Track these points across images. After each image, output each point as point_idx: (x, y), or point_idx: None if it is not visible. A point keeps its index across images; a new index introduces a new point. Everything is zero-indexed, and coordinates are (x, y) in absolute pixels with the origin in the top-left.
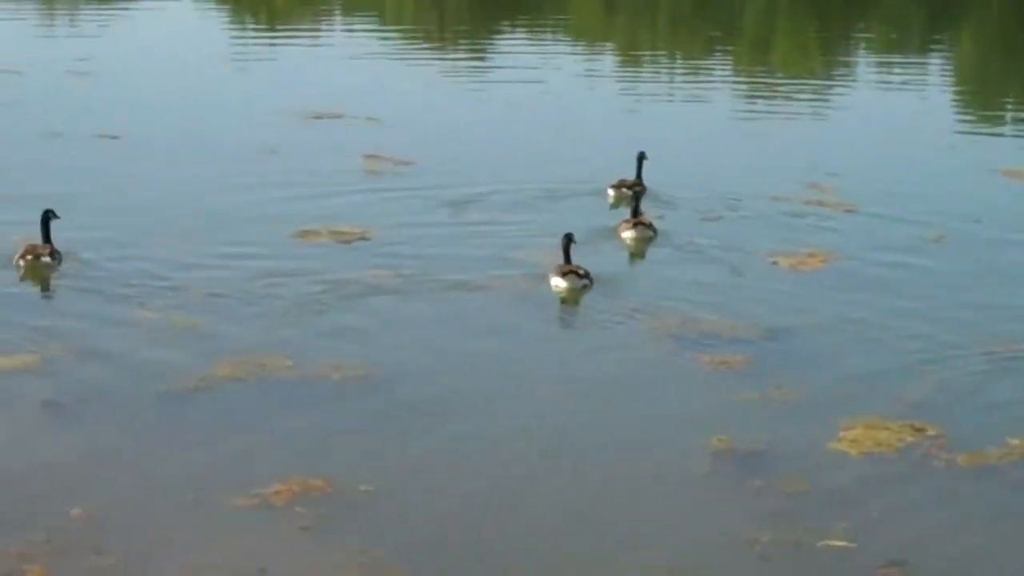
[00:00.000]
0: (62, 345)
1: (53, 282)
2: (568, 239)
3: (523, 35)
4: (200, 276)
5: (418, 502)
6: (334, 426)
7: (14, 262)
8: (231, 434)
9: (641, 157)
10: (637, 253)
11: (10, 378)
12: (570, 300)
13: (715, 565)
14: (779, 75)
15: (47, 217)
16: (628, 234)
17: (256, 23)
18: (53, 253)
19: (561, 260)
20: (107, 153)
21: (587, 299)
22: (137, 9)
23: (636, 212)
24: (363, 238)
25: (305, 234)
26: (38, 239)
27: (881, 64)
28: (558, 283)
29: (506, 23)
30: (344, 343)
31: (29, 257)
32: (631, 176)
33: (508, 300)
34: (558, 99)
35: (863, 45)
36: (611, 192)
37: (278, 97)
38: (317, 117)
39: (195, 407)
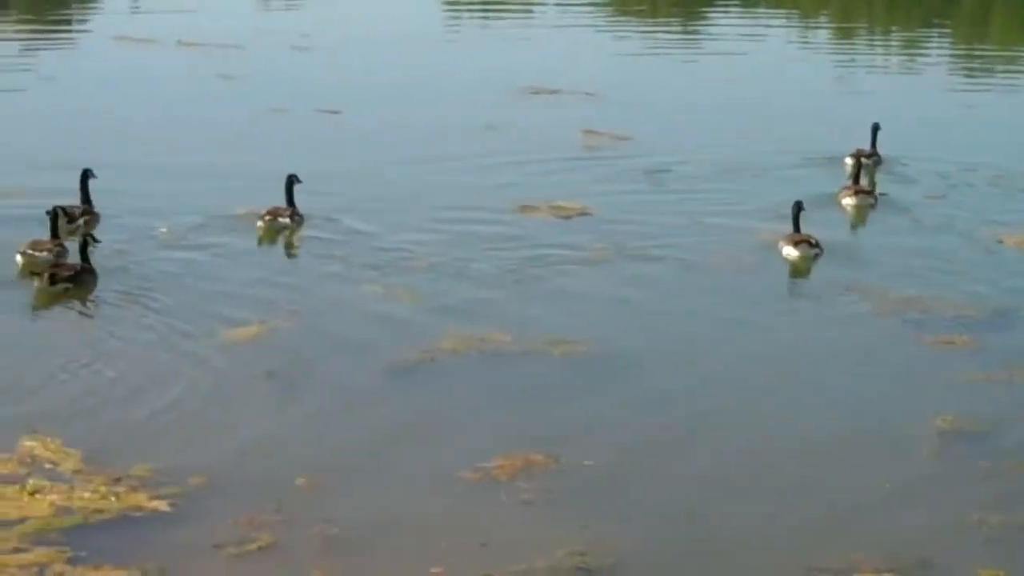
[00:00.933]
0: (288, 315)
1: (287, 249)
2: (798, 207)
3: (735, 7)
4: (422, 250)
5: (641, 478)
6: (556, 401)
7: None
8: (454, 408)
9: (876, 128)
10: (859, 220)
11: (236, 350)
12: (801, 269)
13: (940, 545)
14: (997, 47)
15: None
16: (848, 200)
17: None
18: (293, 216)
19: (791, 229)
20: (328, 128)
21: (816, 269)
22: None
23: (857, 179)
24: (583, 213)
25: (526, 209)
26: (262, 206)
27: None
28: (790, 252)
29: None
30: (565, 318)
31: (268, 218)
32: (866, 146)
33: (733, 272)
34: (772, 71)
35: None
36: (849, 161)
37: (495, 71)
38: (535, 92)
39: (418, 380)
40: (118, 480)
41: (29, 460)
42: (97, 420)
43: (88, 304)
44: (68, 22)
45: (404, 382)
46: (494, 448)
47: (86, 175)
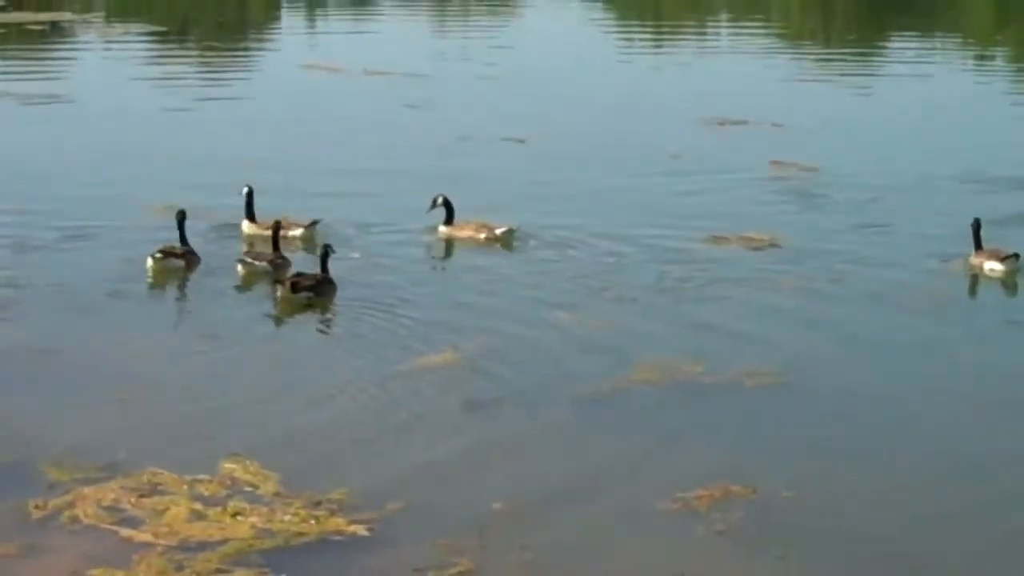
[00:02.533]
0: (482, 343)
1: (479, 275)
2: (977, 224)
3: (912, 37)
4: (612, 278)
5: (841, 509)
6: (753, 432)
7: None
8: (650, 438)
9: None
10: None
11: (430, 376)
12: (1008, 284)
13: None
14: None
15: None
16: None
17: (641, 24)
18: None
19: (973, 247)
20: (513, 156)
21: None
22: (525, 7)
23: None
24: (773, 244)
25: (717, 240)
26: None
27: None
28: (994, 267)
29: (892, 25)
30: (757, 349)
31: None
32: None
33: (926, 297)
34: (949, 98)
35: None
36: None
37: (677, 100)
38: (721, 123)
39: (612, 410)
40: (317, 504)
41: (229, 482)
42: (294, 443)
43: (323, 318)
44: (250, 50)
45: (598, 411)
46: (692, 479)
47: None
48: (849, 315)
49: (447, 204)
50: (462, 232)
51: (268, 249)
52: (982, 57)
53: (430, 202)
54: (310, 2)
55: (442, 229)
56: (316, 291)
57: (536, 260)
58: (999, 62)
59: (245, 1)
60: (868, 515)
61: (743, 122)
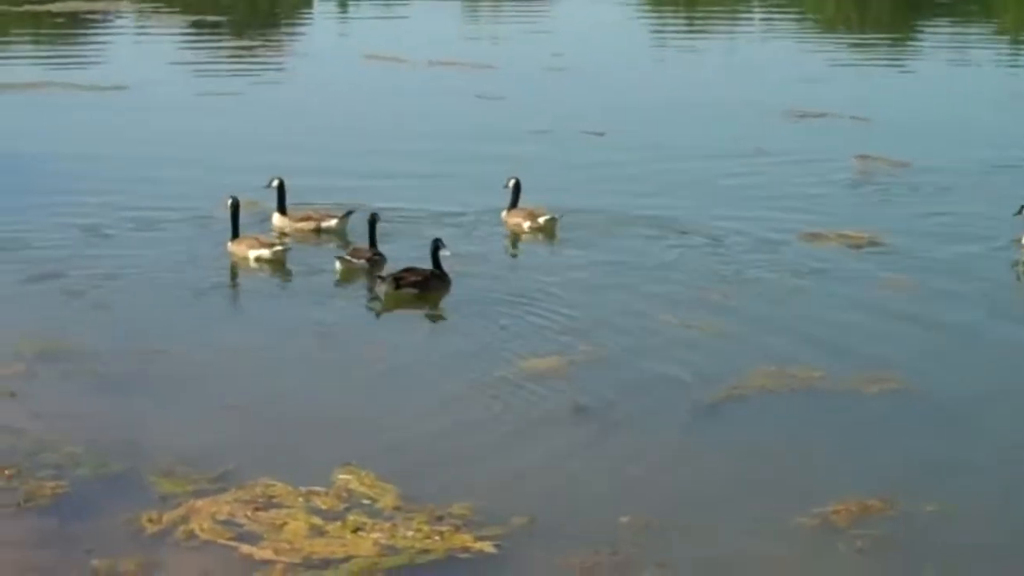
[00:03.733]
0: (590, 348)
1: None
2: None
3: (945, 25)
4: (713, 281)
5: (989, 524)
6: (883, 441)
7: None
8: (775, 449)
9: None
10: None
11: (540, 380)
12: None
13: None
14: None
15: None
16: None
17: (675, 12)
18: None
19: None
20: (599, 150)
21: None
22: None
23: None
24: (873, 242)
25: (814, 237)
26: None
27: None
28: None
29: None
30: (873, 352)
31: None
32: None
33: None
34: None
35: None
36: None
37: (747, 92)
38: (801, 116)
39: (731, 418)
40: (440, 518)
41: (346, 495)
42: (409, 453)
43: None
44: (296, 39)
45: (719, 419)
46: (827, 492)
47: (374, 219)
48: (963, 316)
49: (517, 187)
50: (512, 219)
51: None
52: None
53: (506, 182)
54: None
55: (503, 215)
56: (422, 287)
57: (630, 254)
58: None
59: None
60: (1013, 529)
61: (824, 114)
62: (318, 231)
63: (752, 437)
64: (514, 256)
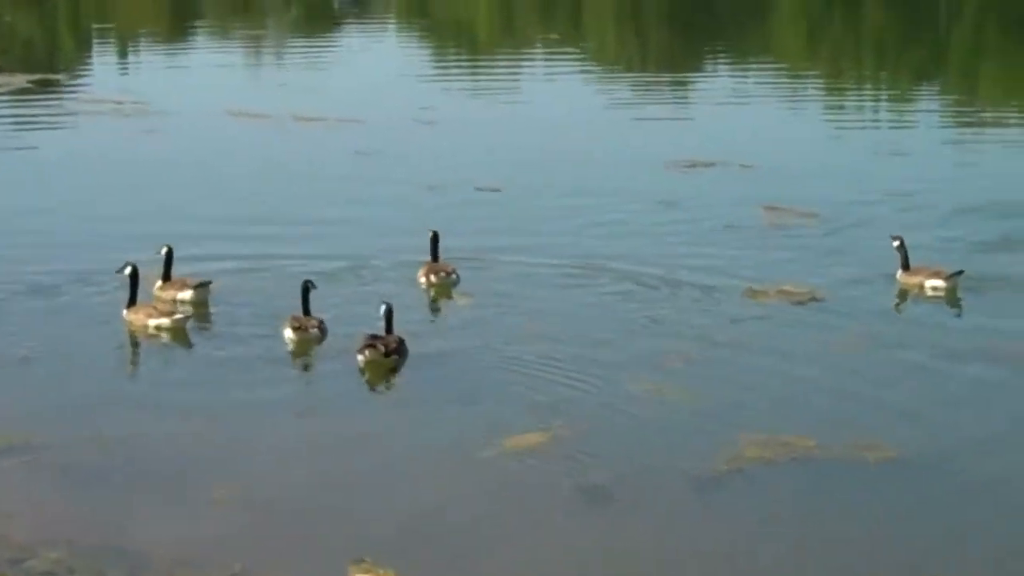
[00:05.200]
0: (565, 421)
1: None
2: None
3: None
4: (669, 344)
5: None
6: (902, 515)
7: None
8: (798, 526)
9: None
10: None
11: (530, 460)
12: None
13: None
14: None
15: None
16: None
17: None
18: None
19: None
20: (501, 207)
21: None
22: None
23: None
24: (814, 298)
25: (755, 294)
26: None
27: None
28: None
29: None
30: (855, 415)
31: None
32: None
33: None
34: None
35: None
36: None
37: (632, 145)
38: (691, 165)
39: (739, 494)
40: None
41: None
42: (421, 546)
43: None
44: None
45: (724, 496)
46: (862, 570)
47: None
48: (933, 376)
49: (434, 240)
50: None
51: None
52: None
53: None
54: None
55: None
56: (400, 353)
57: (571, 316)
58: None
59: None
60: None
61: (712, 163)
62: (172, 301)
63: (766, 515)
64: (443, 314)
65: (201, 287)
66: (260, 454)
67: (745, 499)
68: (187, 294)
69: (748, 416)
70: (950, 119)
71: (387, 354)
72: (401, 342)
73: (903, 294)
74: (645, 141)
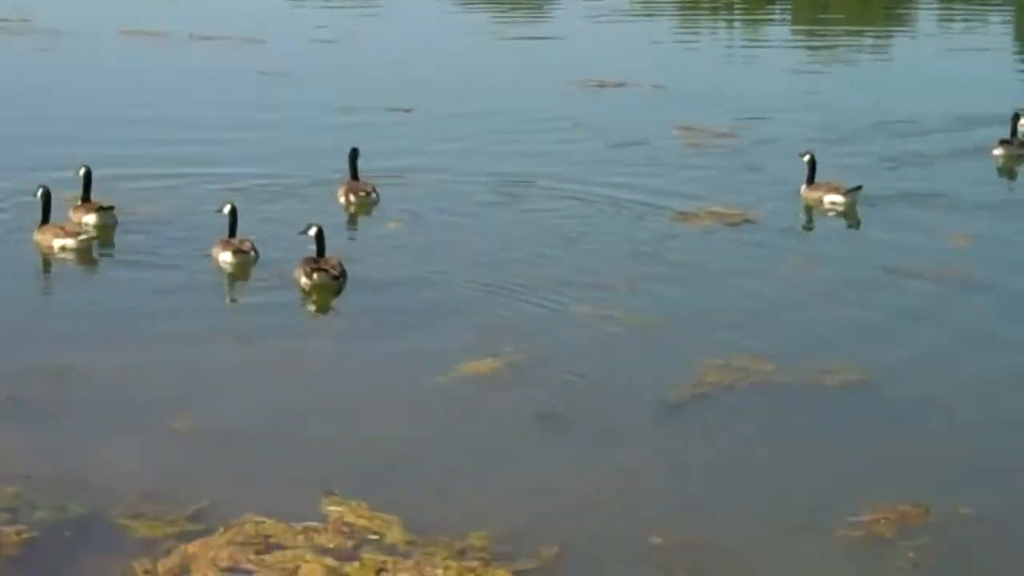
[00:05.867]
0: (517, 347)
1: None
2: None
3: None
4: (604, 267)
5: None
6: (875, 438)
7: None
8: (776, 451)
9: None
10: None
11: (486, 386)
12: None
13: None
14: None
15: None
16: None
17: None
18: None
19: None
20: (409, 124)
21: None
22: None
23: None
24: (747, 220)
25: (685, 217)
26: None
27: None
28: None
29: None
30: (807, 338)
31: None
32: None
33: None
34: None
35: None
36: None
37: (541, 65)
38: (600, 85)
39: (707, 420)
40: (462, 552)
41: (347, 530)
42: (389, 477)
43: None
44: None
45: (693, 423)
46: (851, 499)
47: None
48: (878, 294)
49: (353, 157)
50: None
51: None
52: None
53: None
54: None
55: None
56: (344, 276)
57: (504, 235)
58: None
59: None
60: None
61: (622, 84)
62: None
63: (741, 441)
64: (372, 235)
65: (103, 211)
66: (211, 384)
67: (717, 425)
68: (91, 217)
69: (697, 340)
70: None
71: (335, 277)
72: (341, 265)
73: (807, 209)
74: (538, 60)
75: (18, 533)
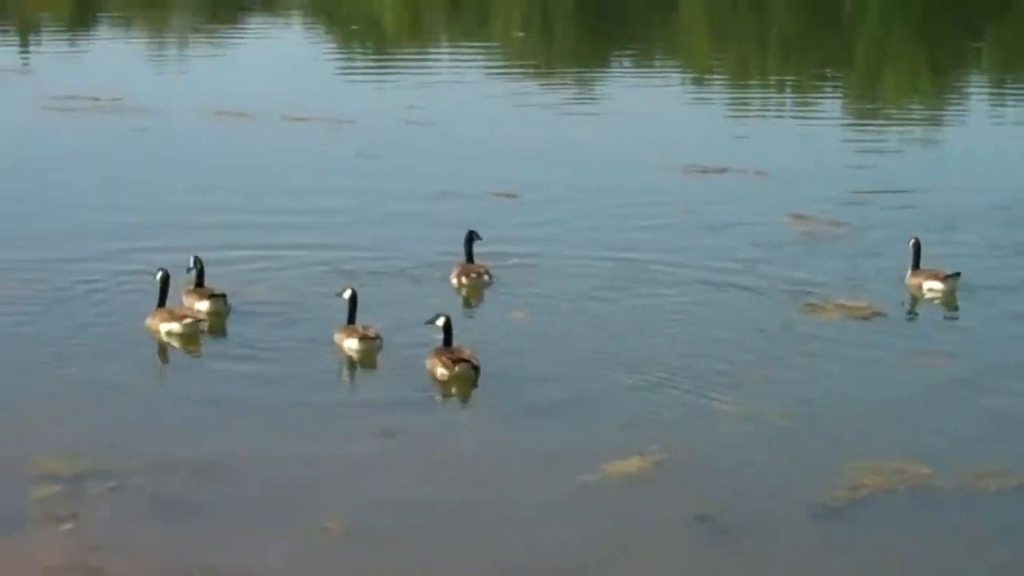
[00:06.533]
0: (662, 445)
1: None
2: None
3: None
4: (741, 354)
5: None
6: None
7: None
8: (919, 559)
9: None
10: None
11: (635, 487)
12: None
13: None
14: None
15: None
16: None
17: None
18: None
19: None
20: (518, 213)
21: None
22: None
23: None
24: (876, 313)
25: (813, 308)
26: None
27: None
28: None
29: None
30: (960, 440)
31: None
32: None
33: None
34: None
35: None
36: None
37: (638, 146)
38: (703, 172)
39: (868, 526)
40: None
41: None
42: None
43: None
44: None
45: (856, 528)
46: None
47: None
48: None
49: (469, 240)
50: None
51: None
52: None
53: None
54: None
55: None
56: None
57: (630, 323)
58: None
59: None
60: None
61: (725, 169)
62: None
63: (906, 547)
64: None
65: (215, 298)
66: (359, 482)
67: (868, 531)
68: (204, 304)
69: (846, 440)
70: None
71: (475, 368)
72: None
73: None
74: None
75: None
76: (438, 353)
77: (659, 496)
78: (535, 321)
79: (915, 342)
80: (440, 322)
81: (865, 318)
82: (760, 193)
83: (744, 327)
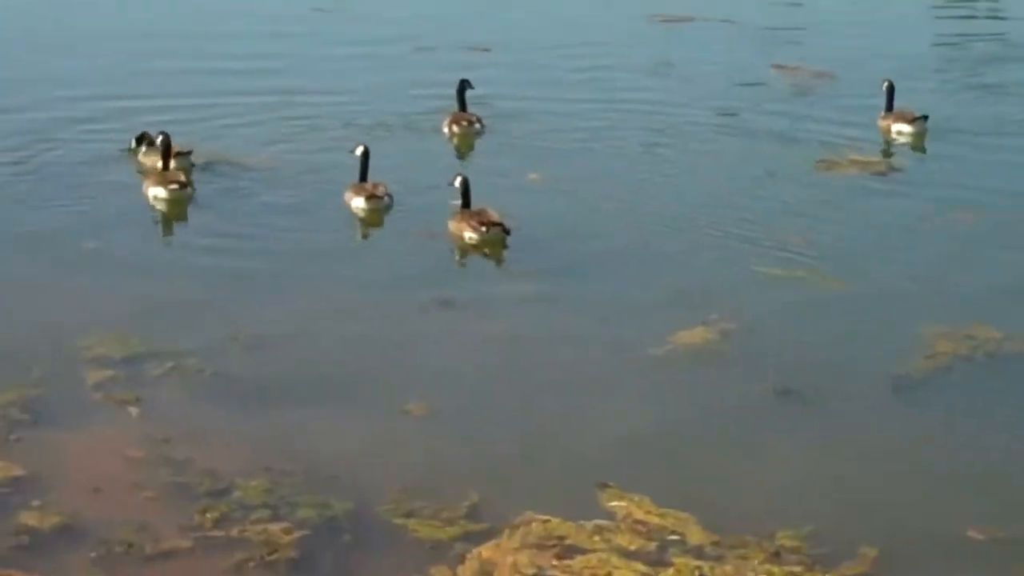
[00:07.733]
0: (723, 313)
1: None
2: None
3: None
4: (776, 218)
5: None
6: None
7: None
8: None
9: None
10: None
11: (708, 360)
12: None
13: None
14: None
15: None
16: None
17: None
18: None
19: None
20: (488, 65)
21: None
22: None
23: None
24: (893, 168)
25: (828, 165)
26: None
27: None
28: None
29: None
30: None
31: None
32: None
33: None
34: None
35: None
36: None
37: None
38: (666, 20)
39: (955, 394)
40: (776, 555)
41: (643, 529)
42: (653, 465)
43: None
44: None
45: (943, 397)
46: None
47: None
48: None
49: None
50: None
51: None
52: None
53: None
54: None
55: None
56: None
57: (645, 180)
58: None
59: None
60: None
61: (689, 19)
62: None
63: (1004, 417)
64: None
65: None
66: (422, 360)
67: (967, 399)
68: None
69: (909, 306)
70: None
71: (507, 231)
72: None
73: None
74: None
75: (286, 532)
76: (464, 216)
77: (731, 369)
78: (548, 183)
79: (928, 199)
80: (457, 182)
81: (882, 173)
82: (738, 46)
83: (764, 180)
